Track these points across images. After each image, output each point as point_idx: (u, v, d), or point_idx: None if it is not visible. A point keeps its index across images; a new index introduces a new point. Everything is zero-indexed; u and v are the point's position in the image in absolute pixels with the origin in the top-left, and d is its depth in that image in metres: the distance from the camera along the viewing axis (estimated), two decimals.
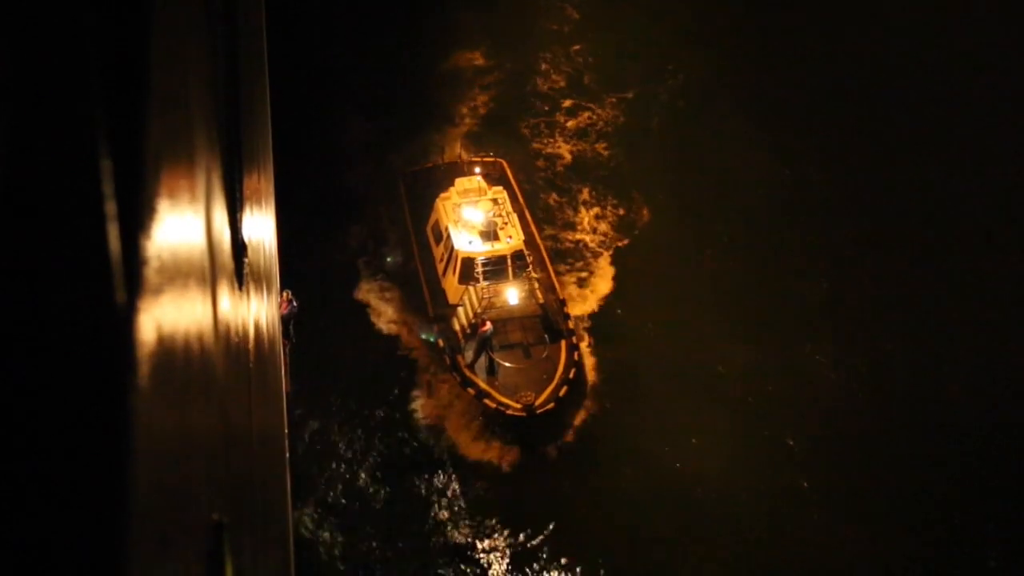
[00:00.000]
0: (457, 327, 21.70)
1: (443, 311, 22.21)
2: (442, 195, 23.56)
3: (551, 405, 20.23)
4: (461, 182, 23.68)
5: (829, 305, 24.16)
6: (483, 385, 20.67)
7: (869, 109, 30.13)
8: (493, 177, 25.10)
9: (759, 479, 20.08)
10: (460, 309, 21.84)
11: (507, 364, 21.07)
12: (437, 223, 23.37)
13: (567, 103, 30.69)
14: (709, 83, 30.73)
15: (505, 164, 26.59)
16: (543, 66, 32.12)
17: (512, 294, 21.68)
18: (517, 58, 32.29)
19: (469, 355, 21.21)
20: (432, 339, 22.13)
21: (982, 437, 20.85)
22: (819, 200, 27.13)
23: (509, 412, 20.08)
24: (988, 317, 23.34)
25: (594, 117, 29.98)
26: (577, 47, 32.80)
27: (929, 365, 22.45)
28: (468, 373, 20.90)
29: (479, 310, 21.40)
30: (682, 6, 33.86)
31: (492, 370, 20.94)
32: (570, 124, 29.81)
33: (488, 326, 20.74)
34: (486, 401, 20.37)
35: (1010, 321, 23.25)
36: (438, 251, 23.21)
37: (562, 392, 20.52)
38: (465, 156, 26.38)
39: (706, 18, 33.32)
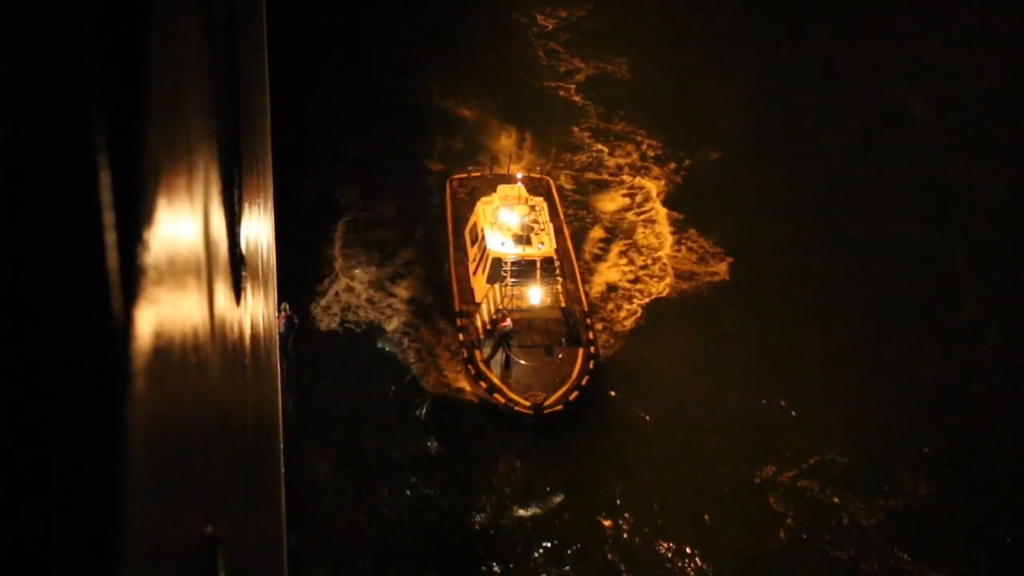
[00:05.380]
0: (479, 323, 22.17)
1: (468, 308, 22.72)
2: (483, 199, 24.24)
3: (559, 407, 20.51)
4: (503, 188, 24.29)
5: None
6: (495, 380, 21.04)
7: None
8: (538, 191, 25.57)
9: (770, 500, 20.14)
10: (483, 306, 22.35)
11: (523, 362, 21.46)
12: (475, 225, 24.00)
13: (617, 130, 30.94)
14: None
15: (551, 182, 27.18)
16: (604, 91, 32.40)
17: (534, 293, 22.22)
18: (581, 78, 32.75)
19: (487, 351, 21.63)
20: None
21: None
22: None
23: (517, 409, 20.45)
24: None
25: (645, 150, 30.13)
26: (630, 82, 33.02)
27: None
28: (483, 368, 21.29)
29: (501, 306, 21.88)
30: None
31: (508, 366, 21.33)
32: (618, 155, 30.02)
33: (508, 322, 21.19)
34: (496, 396, 20.74)
35: None
36: (472, 252, 23.83)
37: (572, 396, 20.79)
38: (514, 169, 26.82)
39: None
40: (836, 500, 20.15)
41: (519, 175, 25.81)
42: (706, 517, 19.81)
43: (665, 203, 27.83)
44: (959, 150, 29.55)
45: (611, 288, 25.12)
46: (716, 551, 19.25)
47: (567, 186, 28.40)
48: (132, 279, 2.02)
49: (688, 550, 19.22)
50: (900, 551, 19.22)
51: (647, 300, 24.76)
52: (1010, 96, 31.35)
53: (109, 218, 1.85)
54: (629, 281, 25.36)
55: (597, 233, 26.83)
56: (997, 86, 31.81)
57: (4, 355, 1.67)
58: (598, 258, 26.03)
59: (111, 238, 1.86)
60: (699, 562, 19.05)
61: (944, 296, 25.24)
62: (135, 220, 2.10)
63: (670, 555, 19.14)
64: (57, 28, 1.79)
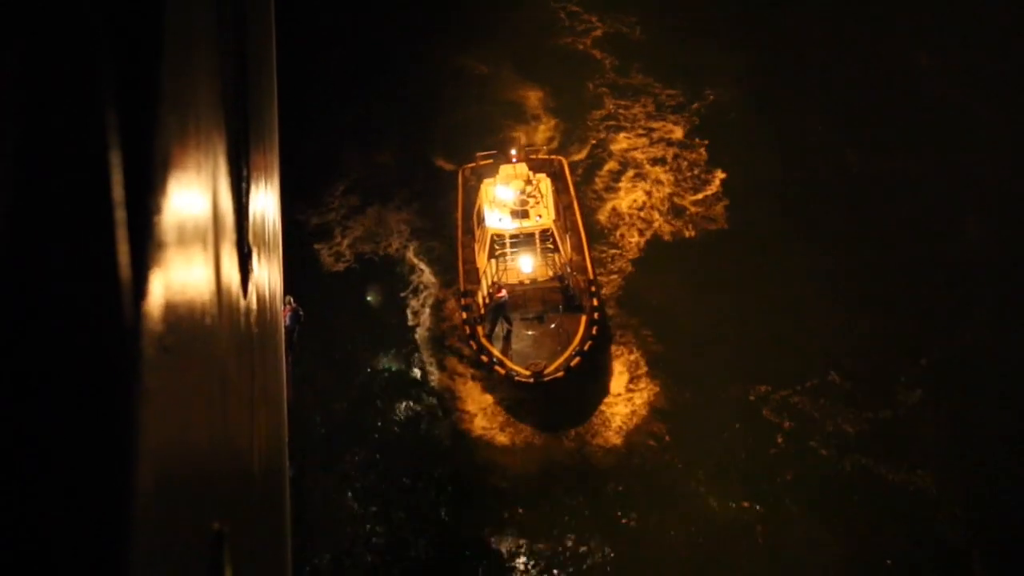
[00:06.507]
0: (479, 299, 22.37)
1: (472, 287, 23.00)
2: (486, 180, 24.34)
3: (560, 374, 20.61)
4: (505, 169, 24.29)
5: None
6: (496, 353, 21.25)
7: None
8: (548, 172, 25.56)
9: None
10: (483, 282, 22.57)
11: (527, 332, 21.68)
12: (479, 208, 24.11)
13: (632, 108, 31.06)
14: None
15: (564, 162, 27.27)
16: (614, 73, 32.50)
17: (526, 261, 22.39)
18: (592, 60, 32.87)
19: (488, 326, 21.86)
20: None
21: None
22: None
23: (517, 378, 20.58)
24: None
25: (659, 131, 30.28)
26: (640, 64, 32.98)
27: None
28: (484, 342, 21.48)
29: (496, 279, 22.10)
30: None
31: (508, 338, 21.56)
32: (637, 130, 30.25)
33: (503, 293, 21.48)
34: (497, 368, 20.93)
35: None
36: (478, 233, 24.05)
37: (574, 363, 20.87)
38: (525, 152, 26.81)
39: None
40: (832, 411, 20.82)
41: (513, 151, 25.84)
42: (704, 434, 20.55)
43: (673, 144, 28.48)
44: (960, 87, 29.86)
45: (618, 216, 25.89)
46: (716, 462, 20.08)
47: (586, 136, 28.94)
48: (142, 273, 2.02)
49: (690, 463, 20.06)
50: (893, 455, 19.96)
51: (650, 233, 25.39)
52: (1012, 34, 31.51)
53: (120, 215, 1.85)
54: (636, 208, 26.12)
55: (609, 166, 27.53)
56: (1000, 28, 31.90)
57: (16, 352, 1.68)
58: (609, 188, 26.83)
59: (122, 236, 1.86)
60: (702, 473, 19.88)
61: (944, 225, 25.65)
62: (146, 218, 2.11)
63: (675, 467, 19.98)
64: (69, 23, 1.79)
